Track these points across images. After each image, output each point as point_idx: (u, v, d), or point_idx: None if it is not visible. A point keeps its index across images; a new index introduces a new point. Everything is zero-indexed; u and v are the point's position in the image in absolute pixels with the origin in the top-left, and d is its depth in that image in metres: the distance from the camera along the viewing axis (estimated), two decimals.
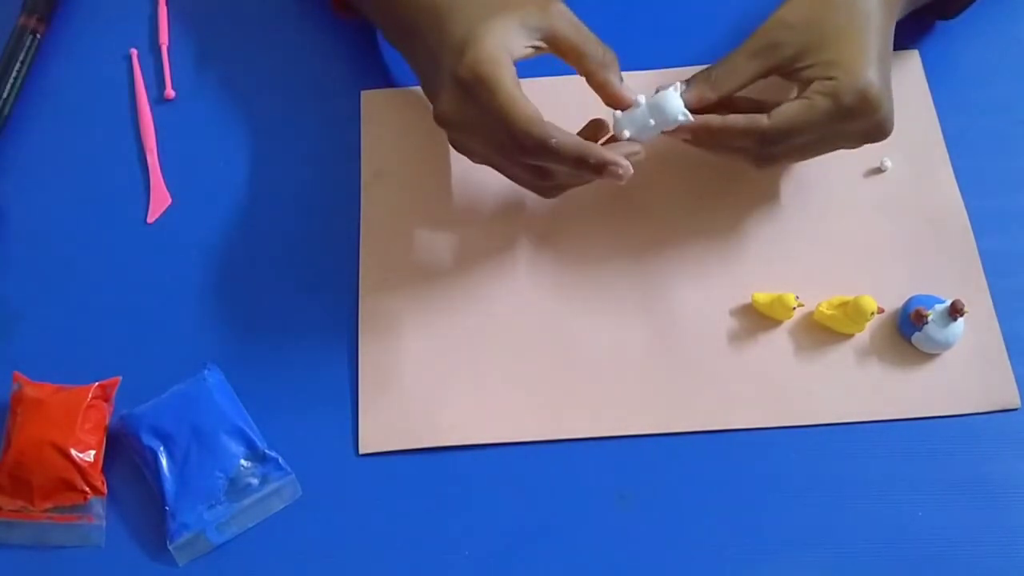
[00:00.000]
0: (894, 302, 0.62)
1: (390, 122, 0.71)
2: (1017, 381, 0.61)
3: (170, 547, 0.58)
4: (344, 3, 0.71)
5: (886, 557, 0.57)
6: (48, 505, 0.59)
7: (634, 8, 0.74)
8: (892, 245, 0.65)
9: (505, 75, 0.55)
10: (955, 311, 0.60)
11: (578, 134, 0.60)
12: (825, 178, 0.67)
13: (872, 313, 0.60)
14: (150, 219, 0.68)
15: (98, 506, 0.59)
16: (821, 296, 0.63)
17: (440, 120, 0.58)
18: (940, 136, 0.68)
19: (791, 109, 0.57)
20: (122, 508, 0.60)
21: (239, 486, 0.59)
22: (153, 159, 0.70)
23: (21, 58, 0.72)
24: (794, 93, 0.59)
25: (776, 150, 0.59)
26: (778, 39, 0.59)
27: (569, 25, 0.58)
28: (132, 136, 0.71)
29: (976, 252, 0.64)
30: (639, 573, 0.57)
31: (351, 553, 0.58)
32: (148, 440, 0.59)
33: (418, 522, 0.59)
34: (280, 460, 0.60)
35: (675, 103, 0.59)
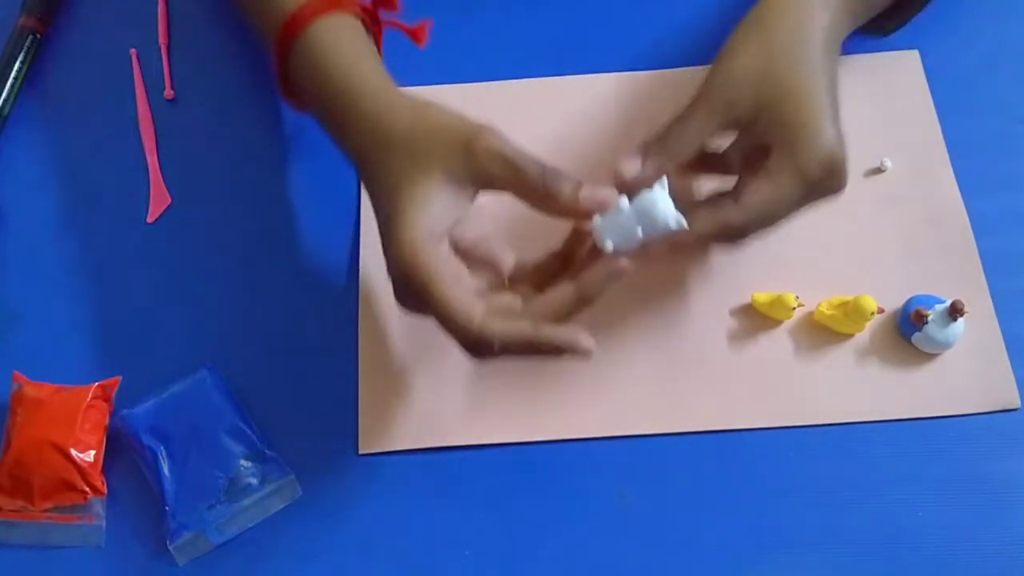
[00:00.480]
0: (894, 302, 0.62)
1: None
2: (1017, 381, 0.61)
3: (170, 547, 0.58)
4: (293, 94, 0.62)
5: (886, 557, 0.57)
6: (48, 505, 0.59)
7: (635, 8, 0.74)
8: (892, 245, 0.65)
9: (433, 275, 0.51)
10: (955, 311, 0.60)
11: (560, 249, 0.56)
12: None
13: (872, 313, 0.60)
14: (150, 219, 0.68)
15: (98, 506, 0.59)
16: (821, 296, 0.63)
17: (400, 309, 0.55)
18: (940, 136, 0.68)
19: (759, 197, 0.54)
20: (122, 508, 0.60)
21: (239, 486, 0.59)
22: (153, 159, 0.70)
23: (21, 58, 0.72)
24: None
25: (749, 235, 0.56)
26: (731, 97, 0.55)
27: (497, 162, 0.52)
28: (132, 136, 0.71)
29: (976, 252, 0.64)
30: (639, 573, 0.57)
31: (351, 553, 0.58)
32: (148, 440, 0.59)
33: (418, 522, 0.59)
34: (280, 460, 0.60)
35: (664, 205, 0.53)
